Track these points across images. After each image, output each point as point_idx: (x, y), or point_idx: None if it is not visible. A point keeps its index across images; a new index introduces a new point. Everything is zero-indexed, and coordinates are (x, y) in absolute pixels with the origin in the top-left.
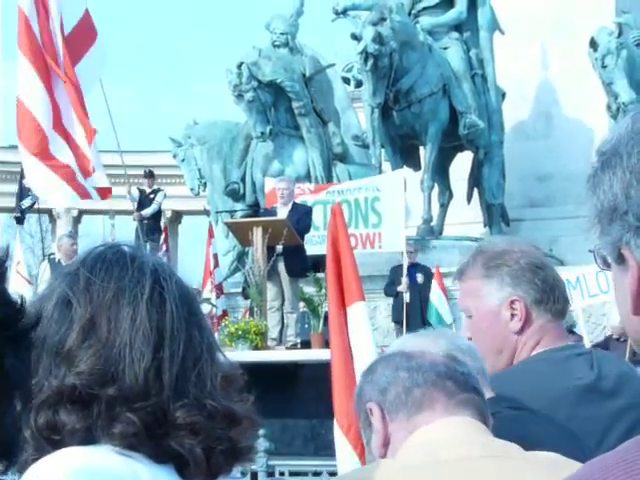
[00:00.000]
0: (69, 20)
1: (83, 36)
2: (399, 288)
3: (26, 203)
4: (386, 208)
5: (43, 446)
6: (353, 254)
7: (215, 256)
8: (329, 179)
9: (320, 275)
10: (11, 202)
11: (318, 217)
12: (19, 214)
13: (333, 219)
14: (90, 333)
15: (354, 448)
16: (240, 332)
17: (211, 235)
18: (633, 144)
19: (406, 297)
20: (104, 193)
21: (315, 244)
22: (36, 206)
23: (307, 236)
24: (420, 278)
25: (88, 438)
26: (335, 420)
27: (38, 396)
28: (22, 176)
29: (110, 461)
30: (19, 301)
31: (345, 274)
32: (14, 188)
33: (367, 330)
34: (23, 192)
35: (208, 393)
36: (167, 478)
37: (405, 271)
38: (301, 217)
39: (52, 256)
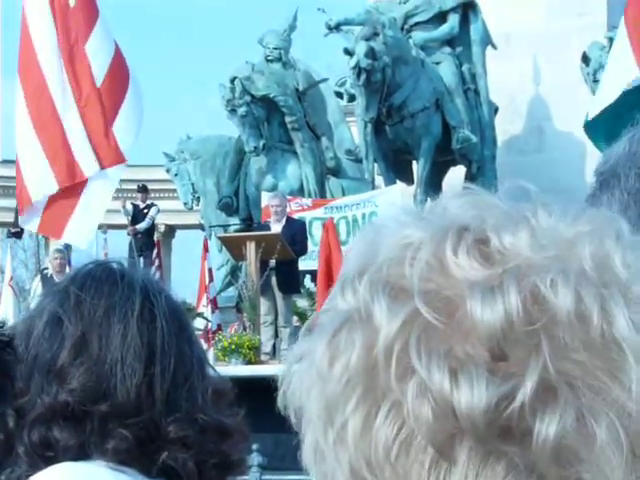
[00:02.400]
0: (100, 63)
1: (116, 84)
2: None
3: None
4: None
5: (37, 462)
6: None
7: (210, 270)
8: (322, 193)
9: (313, 289)
10: (8, 217)
11: (317, 233)
12: (18, 229)
13: (326, 235)
14: (82, 350)
15: None
16: (233, 346)
17: (206, 249)
18: (630, 166)
19: None
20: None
21: (315, 259)
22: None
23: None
24: None
25: (81, 454)
26: None
27: (31, 413)
28: None
29: (103, 476)
30: None
31: None
32: (12, 203)
33: None
34: None
35: (199, 407)
36: None
37: None
38: (297, 234)
39: (45, 271)
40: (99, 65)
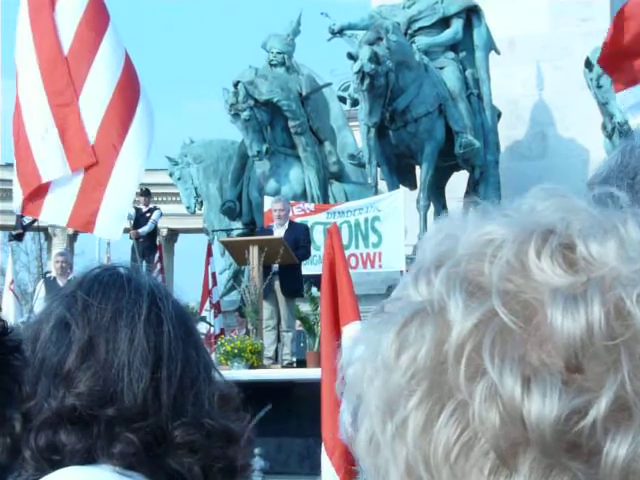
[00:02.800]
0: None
1: (127, 95)
2: None
3: (27, 219)
4: (386, 228)
5: (43, 466)
6: (349, 274)
7: (213, 275)
8: (325, 198)
9: (316, 294)
10: (8, 220)
11: (319, 237)
12: (21, 230)
13: (330, 239)
14: (89, 354)
15: (337, 472)
16: (236, 351)
17: (210, 254)
18: (622, 177)
19: None
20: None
21: (317, 263)
22: (35, 224)
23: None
24: None
25: (88, 458)
26: (323, 442)
27: (38, 417)
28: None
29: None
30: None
31: (341, 294)
32: (7, 206)
33: None
34: None
35: (206, 412)
36: None
37: None
38: (299, 238)
39: (48, 274)
40: (108, 80)
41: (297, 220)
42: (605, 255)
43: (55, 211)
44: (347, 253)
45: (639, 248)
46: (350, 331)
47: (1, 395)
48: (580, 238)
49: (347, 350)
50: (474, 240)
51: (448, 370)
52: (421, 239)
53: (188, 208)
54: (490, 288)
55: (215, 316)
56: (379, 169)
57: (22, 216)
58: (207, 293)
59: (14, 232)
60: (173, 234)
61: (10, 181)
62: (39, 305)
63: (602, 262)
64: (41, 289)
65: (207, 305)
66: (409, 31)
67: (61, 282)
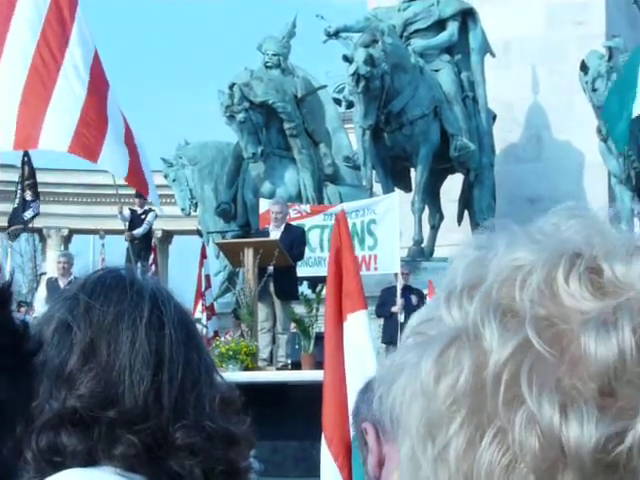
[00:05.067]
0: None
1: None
2: (394, 309)
3: (28, 215)
4: (382, 230)
5: (44, 468)
6: (357, 263)
7: (207, 277)
8: (320, 200)
9: (311, 296)
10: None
11: (314, 239)
12: (21, 225)
13: (337, 228)
14: (90, 357)
15: (340, 470)
16: (231, 353)
17: (204, 256)
18: None
19: (400, 318)
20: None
21: (312, 265)
22: (29, 225)
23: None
24: (414, 300)
25: (89, 460)
26: (324, 440)
27: (39, 418)
28: (23, 189)
29: None
30: (22, 327)
31: (348, 283)
32: (6, 207)
33: (367, 339)
34: (26, 204)
35: (207, 415)
36: None
37: (399, 292)
38: (295, 240)
39: (44, 275)
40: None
41: (293, 223)
42: (630, 277)
43: (52, 137)
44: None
45: None
46: (357, 320)
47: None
48: (606, 261)
49: (384, 369)
50: (504, 265)
51: (487, 397)
52: (451, 257)
53: (183, 210)
54: (523, 314)
55: (209, 318)
56: (374, 171)
57: (23, 211)
58: (200, 295)
59: (13, 228)
60: (168, 236)
61: (8, 182)
62: (39, 305)
63: (629, 284)
64: (43, 290)
65: (199, 307)
66: (405, 34)
67: (62, 283)
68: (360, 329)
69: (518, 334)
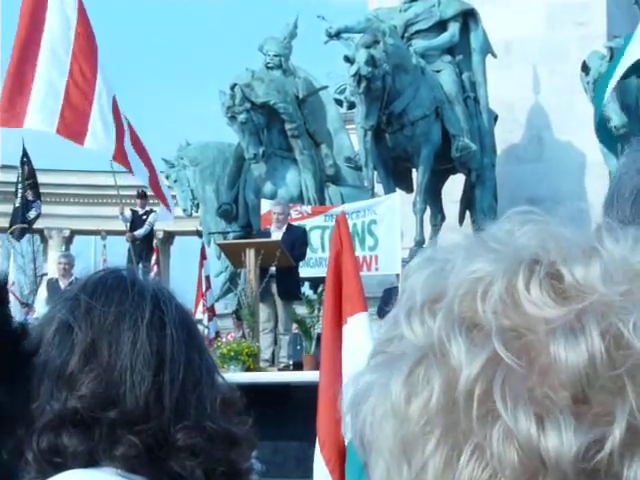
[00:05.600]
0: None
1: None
2: None
3: (32, 215)
4: (382, 231)
5: (45, 469)
6: (357, 265)
7: (207, 278)
8: (321, 201)
9: (312, 297)
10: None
11: (316, 240)
12: (26, 225)
13: (337, 229)
14: (91, 357)
15: (331, 473)
16: (232, 353)
17: (203, 257)
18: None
19: None
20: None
21: (313, 266)
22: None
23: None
24: None
25: (90, 460)
26: (317, 443)
27: (40, 419)
28: (24, 189)
29: None
30: (20, 328)
31: (348, 285)
32: (6, 208)
33: (368, 342)
34: (28, 204)
35: (208, 415)
36: None
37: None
38: (296, 240)
39: (45, 276)
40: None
41: (294, 223)
42: (590, 280)
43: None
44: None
45: (621, 266)
46: (357, 322)
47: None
48: (565, 265)
49: (351, 389)
50: (463, 278)
51: (460, 414)
52: (405, 270)
53: (184, 210)
54: (488, 327)
55: (210, 319)
56: (376, 172)
57: (27, 211)
58: (200, 296)
59: (16, 226)
60: (169, 236)
61: (8, 183)
62: (40, 306)
63: (590, 287)
64: (43, 291)
65: (200, 308)
66: (406, 34)
67: (63, 284)
68: (361, 332)
69: (485, 348)
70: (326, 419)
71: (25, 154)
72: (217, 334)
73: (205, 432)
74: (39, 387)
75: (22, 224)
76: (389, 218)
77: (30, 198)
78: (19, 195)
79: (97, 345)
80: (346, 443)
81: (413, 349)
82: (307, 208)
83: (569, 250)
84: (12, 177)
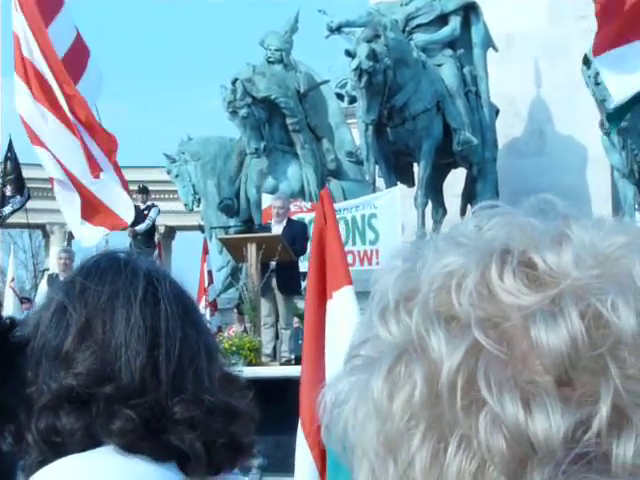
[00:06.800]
0: (62, 42)
1: (77, 57)
2: None
3: (6, 210)
4: (383, 225)
5: (44, 449)
6: (341, 240)
7: (209, 272)
8: None
9: None
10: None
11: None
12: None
13: (321, 204)
14: (86, 335)
15: (315, 460)
16: (234, 348)
17: (206, 251)
18: None
19: None
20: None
21: None
22: (25, 221)
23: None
24: None
25: (88, 437)
26: (300, 428)
27: (39, 401)
28: (3, 184)
29: (108, 467)
30: (8, 321)
31: (331, 260)
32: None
33: (355, 315)
34: (5, 199)
35: (206, 389)
36: (169, 476)
37: None
38: (297, 235)
39: (48, 271)
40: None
41: (294, 217)
42: (564, 265)
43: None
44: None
45: (592, 251)
46: (343, 296)
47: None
48: (536, 253)
49: (331, 397)
50: (435, 273)
51: (444, 406)
52: (375, 273)
53: (186, 205)
54: (465, 318)
55: (212, 314)
56: (377, 166)
57: (2, 206)
58: (203, 291)
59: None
60: (170, 231)
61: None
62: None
63: (563, 272)
64: (44, 286)
65: (203, 303)
66: (407, 28)
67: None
68: (347, 305)
69: (465, 339)
70: (307, 391)
71: (10, 149)
72: (219, 329)
73: (203, 405)
74: (37, 369)
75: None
76: (389, 212)
77: (8, 194)
78: None
79: (92, 324)
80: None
81: (390, 347)
82: (307, 204)
83: (539, 238)
84: None
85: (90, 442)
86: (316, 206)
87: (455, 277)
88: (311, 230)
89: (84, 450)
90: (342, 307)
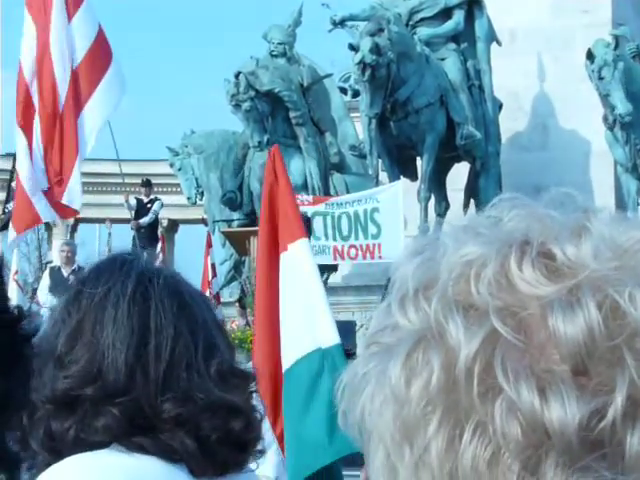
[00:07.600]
0: (80, 45)
1: (97, 61)
2: None
3: (11, 207)
4: (385, 219)
5: (45, 454)
6: (294, 195)
7: (213, 266)
8: (326, 189)
9: None
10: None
11: (318, 227)
12: (2, 216)
13: (271, 162)
14: (76, 338)
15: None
16: (237, 342)
17: (209, 245)
18: None
19: None
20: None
21: (316, 254)
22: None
23: None
24: None
25: (78, 438)
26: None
27: (41, 408)
28: (11, 179)
29: (117, 466)
30: (17, 310)
31: (285, 216)
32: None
33: (312, 266)
34: (10, 196)
35: (197, 385)
36: (179, 475)
37: None
38: None
39: (51, 264)
40: (80, 47)
41: None
42: (582, 257)
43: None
44: (347, 244)
45: (611, 244)
46: (299, 248)
47: (17, 386)
48: (556, 244)
49: (345, 383)
50: (455, 262)
51: (461, 393)
52: (395, 261)
53: (189, 199)
54: (483, 307)
55: (215, 307)
56: (380, 160)
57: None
58: (206, 284)
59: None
60: (174, 225)
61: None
62: (43, 294)
63: (582, 264)
64: (46, 278)
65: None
66: (410, 22)
67: (65, 272)
68: (304, 256)
69: (483, 326)
70: (259, 337)
71: None
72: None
73: (191, 402)
74: (40, 377)
75: (1, 214)
76: (391, 206)
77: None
78: (7, 184)
79: (82, 326)
80: (283, 371)
81: (409, 334)
82: (309, 197)
83: (559, 230)
84: (7, 165)
85: (81, 443)
86: (319, 199)
87: (474, 266)
88: (313, 223)
89: (78, 452)
90: (299, 259)
